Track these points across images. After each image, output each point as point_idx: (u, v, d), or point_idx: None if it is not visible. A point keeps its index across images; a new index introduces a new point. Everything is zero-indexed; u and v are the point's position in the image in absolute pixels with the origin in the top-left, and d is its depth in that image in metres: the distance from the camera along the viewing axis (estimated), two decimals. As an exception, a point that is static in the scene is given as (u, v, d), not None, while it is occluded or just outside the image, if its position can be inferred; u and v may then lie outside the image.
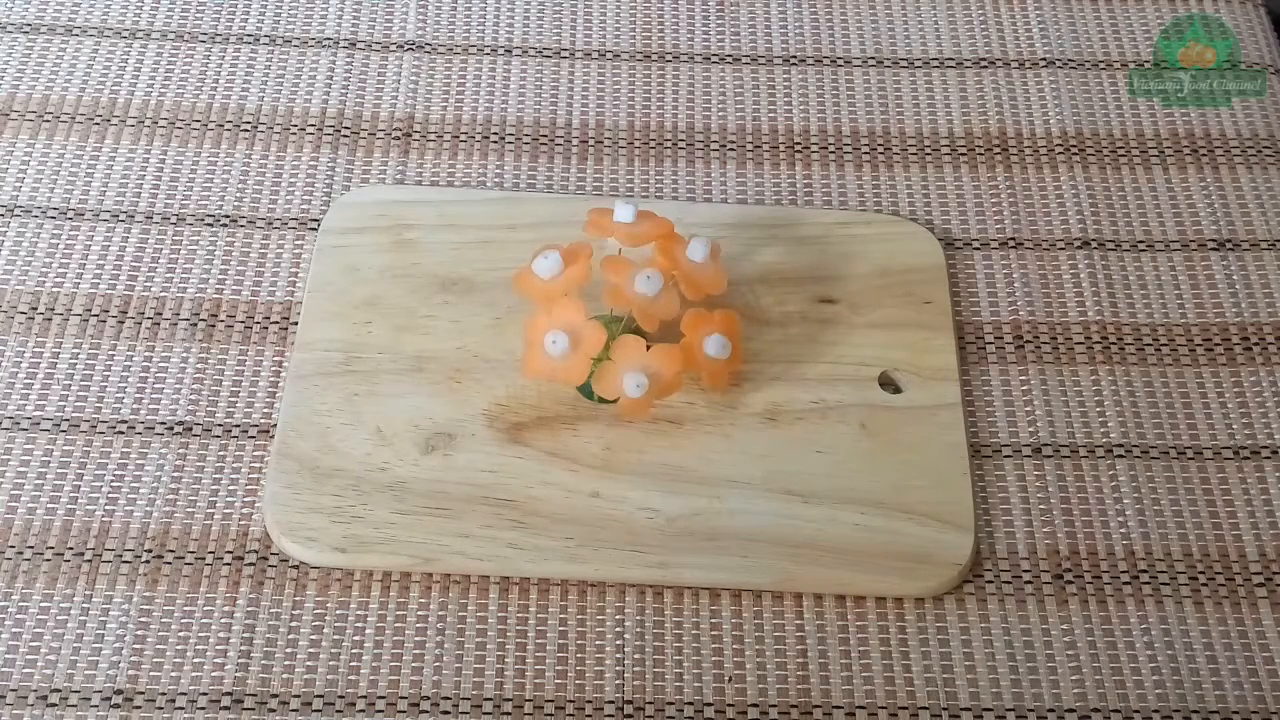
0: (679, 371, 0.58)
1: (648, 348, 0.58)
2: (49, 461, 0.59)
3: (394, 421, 0.60)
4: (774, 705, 0.55)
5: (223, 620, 0.56)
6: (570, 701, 0.55)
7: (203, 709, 0.54)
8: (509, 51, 0.75)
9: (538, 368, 0.58)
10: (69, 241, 0.66)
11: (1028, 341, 0.65)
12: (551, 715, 0.54)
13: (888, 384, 0.63)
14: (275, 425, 0.60)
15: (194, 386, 0.62)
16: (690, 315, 0.59)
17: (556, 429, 0.60)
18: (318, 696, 0.54)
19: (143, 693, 0.54)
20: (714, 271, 0.60)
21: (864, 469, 0.60)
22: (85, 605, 0.56)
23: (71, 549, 0.57)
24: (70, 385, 0.62)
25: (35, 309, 0.64)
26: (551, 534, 0.57)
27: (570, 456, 0.59)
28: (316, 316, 0.63)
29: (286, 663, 0.55)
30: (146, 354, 0.63)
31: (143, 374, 0.62)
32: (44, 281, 0.65)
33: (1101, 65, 0.76)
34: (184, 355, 0.63)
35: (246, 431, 0.61)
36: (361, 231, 0.66)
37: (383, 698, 0.54)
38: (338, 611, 0.56)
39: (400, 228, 0.66)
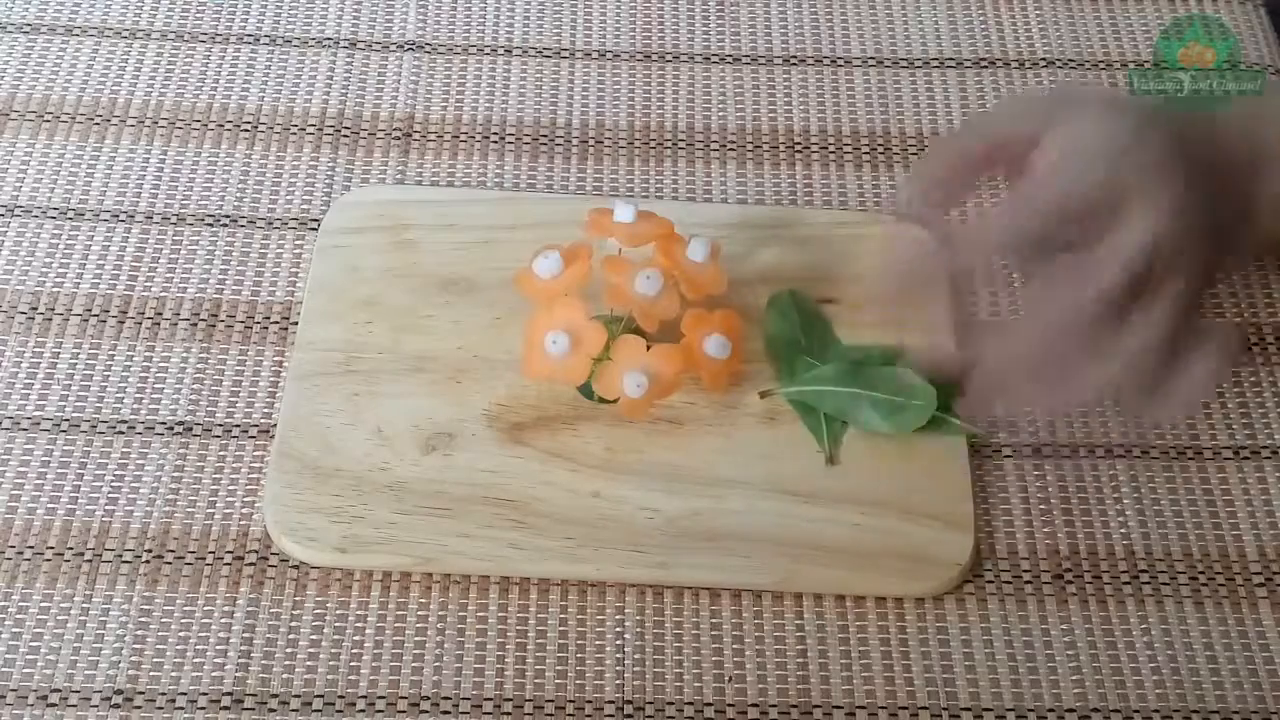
0: (679, 371, 0.58)
1: (648, 348, 0.58)
2: (49, 461, 0.59)
3: (394, 421, 0.60)
4: (774, 705, 0.55)
5: (223, 620, 0.56)
6: (570, 701, 0.55)
7: (203, 709, 0.54)
8: (509, 51, 0.75)
9: (538, 368, 0.58)
10: (69, 241, 0.66)
11: (1028, 341, 0.65)
12: (551, 715, 0.54)
13: (888, 384, 0.63)
14: (275, 425, 0.60)
15: (194, 386, 0.62)
16: (690, 315, 0.59)
17: (556, 429, 0.60)
18: (318, 696, 0.54)
19: (143, 693, 0.54)
20: (714, 271, 0.60)
21: (864, 469, 0.60)
22: (85, 605, 0.56)
23: (71, 549, 0.57)
24: (70, 385, 0.62)
25: (35, 309, 0.64)
26: (551, 534, 0.57)
27: (570, 456, 0.59)
28: (316, 316, 0.63)
29: (286, 663, 0.55)
30: (146, 354, 0.63)
31: (143, 374, 0.62)
32: (44, 281, 0.65)
33: (1101, 65, 0.76)
34: (184, 355, 0.63)
35: (246, 431, 0.61)
36: (361, 231, 0.66)
37: (383, 698, 0.54)
38: (338, 611, 0.56)
39: (400, 228, 0.66)
